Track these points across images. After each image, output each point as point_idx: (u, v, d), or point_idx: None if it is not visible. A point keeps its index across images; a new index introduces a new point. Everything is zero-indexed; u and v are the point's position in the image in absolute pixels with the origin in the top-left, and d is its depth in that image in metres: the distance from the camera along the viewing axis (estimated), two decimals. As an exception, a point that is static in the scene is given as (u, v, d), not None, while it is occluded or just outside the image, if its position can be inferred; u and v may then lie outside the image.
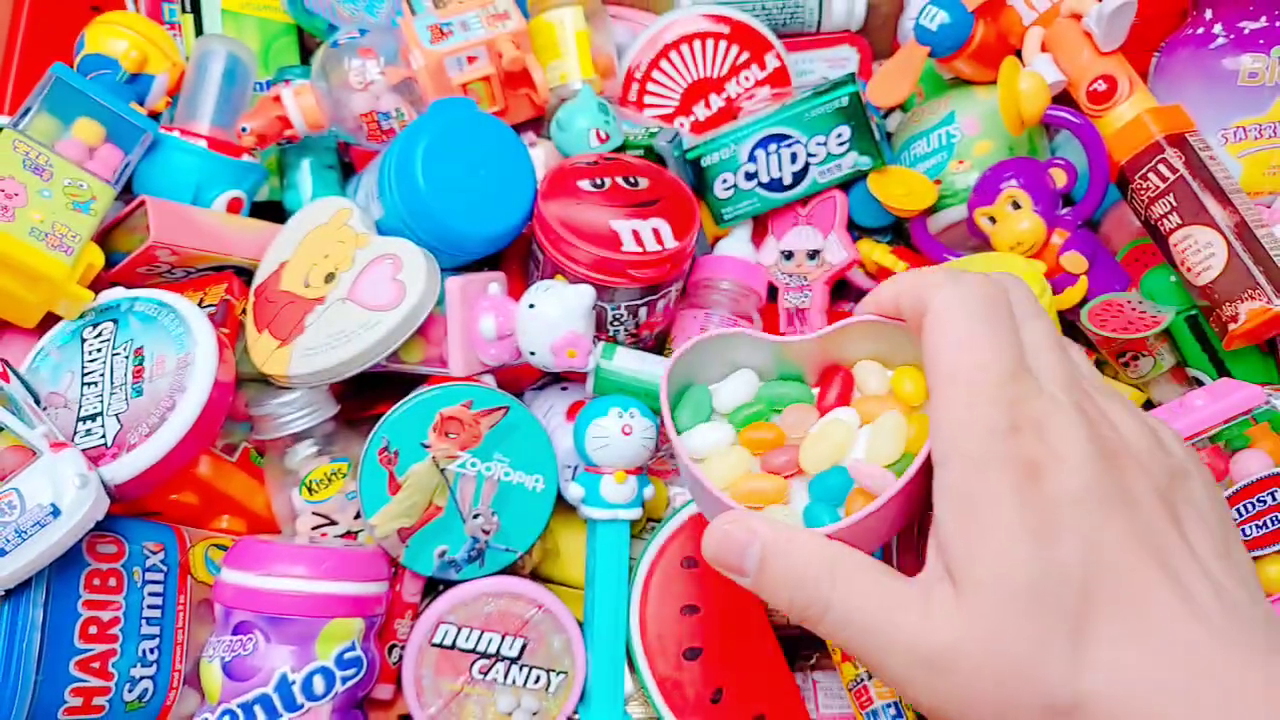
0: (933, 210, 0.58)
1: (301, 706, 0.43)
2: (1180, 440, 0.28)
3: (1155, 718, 0.23)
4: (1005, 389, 0.25)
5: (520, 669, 0.48)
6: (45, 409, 0.46)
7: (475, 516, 0.48)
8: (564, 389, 0.56)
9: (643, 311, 0.53)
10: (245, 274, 0.53)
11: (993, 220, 0.54)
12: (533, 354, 0.47)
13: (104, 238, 0.52)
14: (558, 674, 0.49)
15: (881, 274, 0.59)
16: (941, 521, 0.25)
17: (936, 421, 0.26)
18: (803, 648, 0.54)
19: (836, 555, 0.27)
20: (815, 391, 0.36)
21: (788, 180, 0.57)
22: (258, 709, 0.43)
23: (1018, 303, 0.28)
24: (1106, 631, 0.23)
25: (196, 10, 0.61)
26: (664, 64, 0.60)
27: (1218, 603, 0.24)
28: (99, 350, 0.47)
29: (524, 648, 0.48)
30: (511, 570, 0.50)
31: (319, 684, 0.44)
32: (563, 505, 0.50)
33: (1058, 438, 0.25)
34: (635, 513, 0.49)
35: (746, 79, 0.61)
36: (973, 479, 0.25)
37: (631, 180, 0.52)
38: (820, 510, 0.32)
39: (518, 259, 0.57)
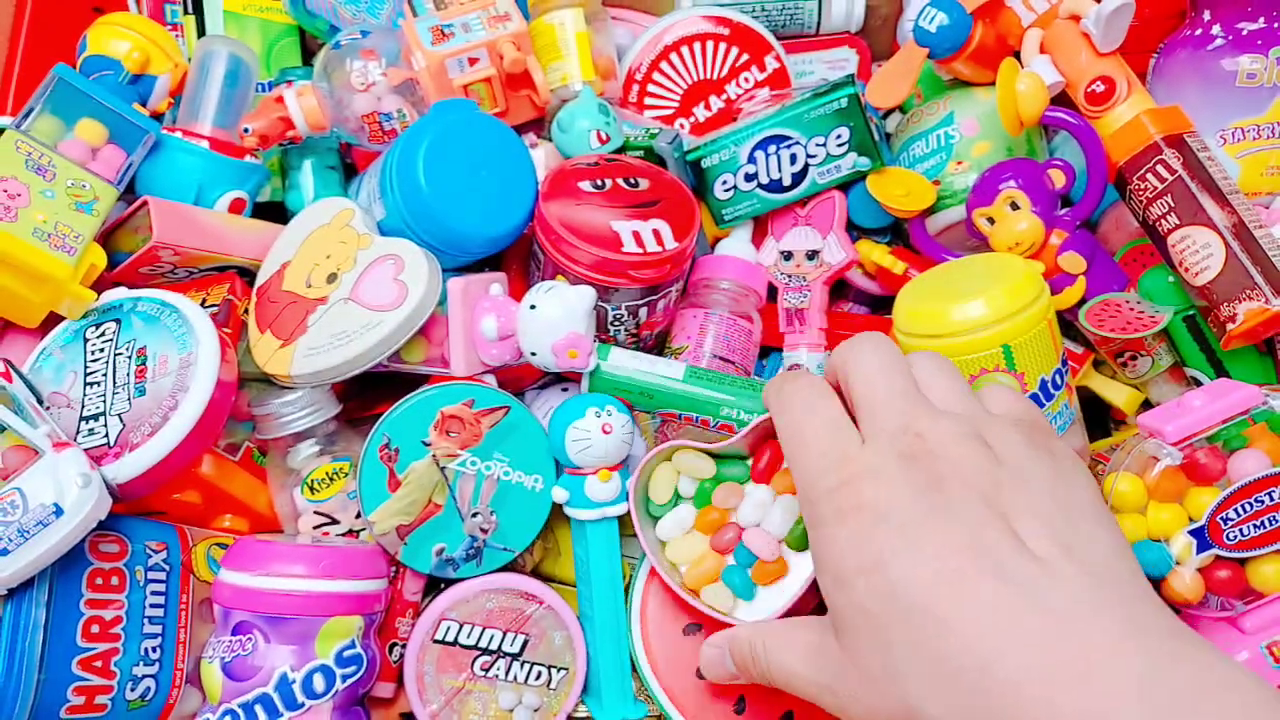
0: (931, 211, 0.58)
1: (302, 705, 0.44)
2: (1025, 446, 0.32)
3: (995, 696, 0.26)
4: (828, 457, 0.32)
5: (522, 665, 0.48)
6: (48, 409, 0.46)
7: (474, 515, 0.48)
8: (565, 389, 0.56)
9: (643, 312, 0.53)
10: (248, 274, 0.53)
11: (991, 221, 0.54)
12: (534, 354, 0.48)
13: (106, 238, 0.52)
14: (559, 670, 0.49)
15: (880, 274, 0.60)
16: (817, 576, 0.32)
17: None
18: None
19: (761, 630, 0.35)
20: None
21: (787, 181, 0.57)
22: (258, 708, 0.43)
23: (855, 378, 0.34)
24: (937, 631, 0.27)
25: (198, 11, 0.62)
26: (664, 65, 0.61)
27: (1047, 580, 0.27)
28: (102, 350, 0.47)
29: (525, 644, 0.48)
30: (512, 569, 0.50)
31: (319, 682, 0.44)
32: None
33: (878, 480, 0.30)
34: (622, 507, 0.49)
35: (746, 80, 0.61)
36: (818, 538, 0.31)
37: (632, 181, 0.52)
38: (733, 572, 0.44)
39: (519, 260, 0.57)
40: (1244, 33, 0.55)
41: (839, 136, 0.56)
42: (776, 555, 0.43)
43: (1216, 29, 0.56)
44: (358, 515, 0.50)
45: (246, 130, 0.54)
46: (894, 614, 0.28)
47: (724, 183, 0.58)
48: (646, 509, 0.47)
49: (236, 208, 0.54)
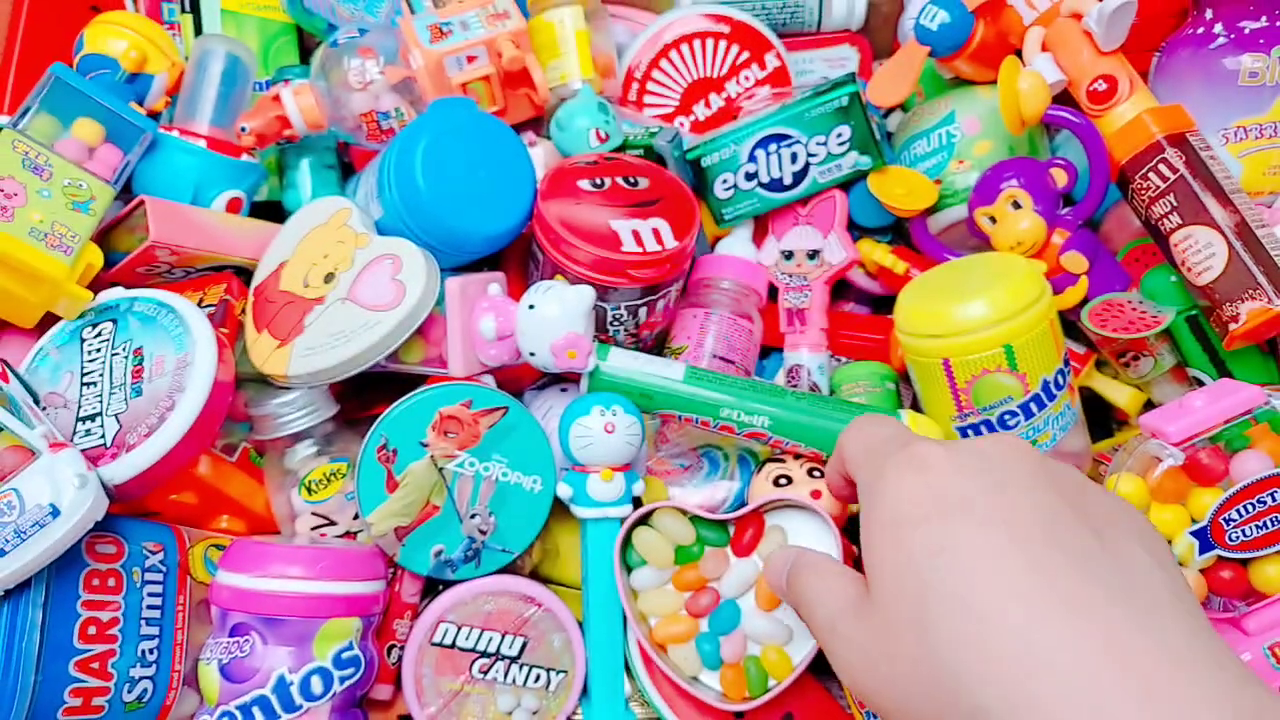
0: (933, 210, 0.58)
1: (300, 707, 0.43)
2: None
3: (1018, 682, 0.24)
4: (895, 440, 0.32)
5: (520, 668, 0.48)
6: (44, 409, 0.46)
7: (472, 516, 0.48)
8: (564, 390, 0.56)
9: (642, 311, 0.53)
10: (245, 274, 0.53)
11: (993, 220, 0.53)
12: (533, 355, 0.47)
13: (103, 237, 0.52)
14: (558, 673, 0.48)
15: (881, 274, 0.59)
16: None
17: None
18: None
19: (807, 560, 0.35)
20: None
21: (788, 180, 0.57)
22: (256, 710, 0.43)
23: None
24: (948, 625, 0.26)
25: (196, 10, 0.61)
26: (664, 63, 0.60)
27: (1051, 590, 0.25)
28: (98, 350, 0.47)
29: (524, 646, 0.48)
30: (510, 571, 0.50)
31: (317, 684, 0.44)
32: (563, 506, 0.50)
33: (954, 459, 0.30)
34: (624, 509, 0.48)
35: (746, 78, 0.61)
36: (880, 486, 0.30)
37: (631, 180, 0.52)
38: (705, 640, 0.46)
39: (517, 259, 0.57)
40: (1246, 31, 0.55)
41: (840, 135, 0.56)
42: (739, 658, 0.46)
43: (1219, 28, 0.56)
44: (355, 516, 0.49)
45: (244, 129, 0.54)
46: (910, 603, 0.27)
47: (724, 181, 0.57)
48: (625, 555, 0.48)
49: (234, 207, 0.54)
